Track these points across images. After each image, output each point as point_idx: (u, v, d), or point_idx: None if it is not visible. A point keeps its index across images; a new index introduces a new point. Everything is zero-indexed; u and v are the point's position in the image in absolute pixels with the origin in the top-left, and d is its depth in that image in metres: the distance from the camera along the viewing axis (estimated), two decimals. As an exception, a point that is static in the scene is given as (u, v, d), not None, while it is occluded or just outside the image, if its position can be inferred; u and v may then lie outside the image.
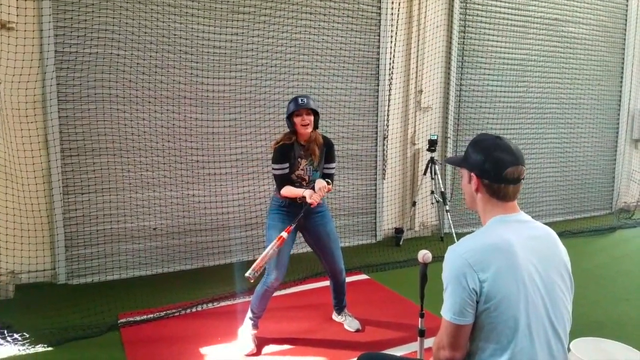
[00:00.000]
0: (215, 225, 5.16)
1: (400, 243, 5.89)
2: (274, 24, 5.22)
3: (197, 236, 5.09)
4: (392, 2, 5.82)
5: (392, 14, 5.84)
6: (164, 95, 4.82)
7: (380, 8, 5.81)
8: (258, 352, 3.31)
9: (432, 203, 6.21)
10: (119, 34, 4.56)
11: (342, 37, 5.64)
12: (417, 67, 6.10)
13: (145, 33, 4.67)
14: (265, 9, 5.15)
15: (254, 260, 3.07)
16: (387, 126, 5.99)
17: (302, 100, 3.20)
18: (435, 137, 5.82)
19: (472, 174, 1.71)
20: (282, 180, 3.28)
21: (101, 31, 4.49)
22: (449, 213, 5.80)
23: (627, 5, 7.55)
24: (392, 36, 5.88)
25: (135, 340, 3.47)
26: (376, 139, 6.01)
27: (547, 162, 7.21)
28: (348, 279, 3.79)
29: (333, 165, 3.45)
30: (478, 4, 6.36)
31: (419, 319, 2.44)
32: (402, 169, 6.23)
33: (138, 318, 3.77)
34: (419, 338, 2.45)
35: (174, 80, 4.84)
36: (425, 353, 2.48)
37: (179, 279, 4.79)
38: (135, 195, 4.80)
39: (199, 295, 4.23)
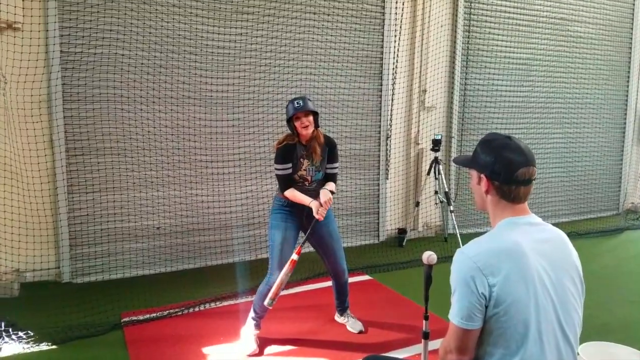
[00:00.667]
0: (219, 225, 5.17)
1: (404, 244, 5.88)
2: (278, 24, 5.22)
3: (200, 235, 5.11)
4: (396, 2, 5.80)
5: (396, 13, 5.82)
6: (168, 95, 4.84)
7: (384, 8, 5.80)
8: (260, 353, 3.31)
9: (436, 203, 6.19)
10: (124, 34, 4.58)
11: (345, 36, 5.63)
12: (421, 66, 6.08)
13: (150, 33, 4.69)
14: (269, 9, 5.15)
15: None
16: (391, 126, 5.98)
17: (298, 103, 3.17)
18: (440, 137, 5.80)
19: (482, 175, 1.66)
20: (285, 181, 3.28)
21: (106, 31, 4.51)
22: (453, 213, 5.77)
23: (634, 4, 7.48)
24: (395, 36, 5.86)
25: (138, 339, 3.48)
26: (379, 139, 6.00)
27: (553, 162, 7.17)
28: (351, 280, 3.79)
29: (336, 165, 3.44)
30: (483, 4, 6.33)
31: (424, 321, 2.41)
32: (406, 169, 6.21)
33: (141, 317, 3.79)
34: (423, 340, 2.42)
35: (178, 80, 4.85)
36: (430, 356, 2.47)
37: (182, 278, 4.81)
38: (139, 194, 4.82)
39: (202, 294, 4.24)
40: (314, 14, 5.41)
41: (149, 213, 4.88)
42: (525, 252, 1.54)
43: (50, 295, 4.28)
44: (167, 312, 3.90)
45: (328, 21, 5.51)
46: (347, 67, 5.69)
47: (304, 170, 3.30)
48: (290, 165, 3.25)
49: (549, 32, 6.84)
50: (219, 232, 5.18)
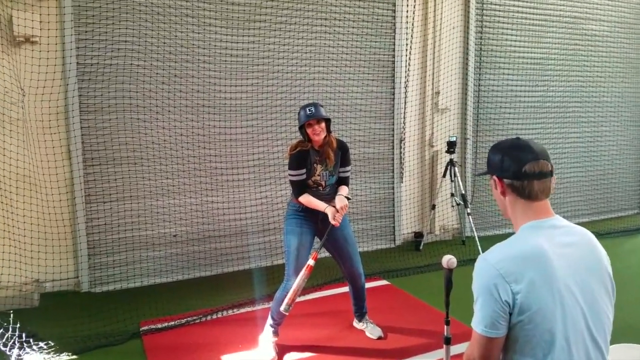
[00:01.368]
0: (234, 231, 5.19)
1: (420, 247, 5.83)
2: (290, 30, 5.23)
3: (217, 242, 5.13)
4: (407, 5, 5.78)
5: (407, 16, 5.80)
6: (182, 104, 4.88)
7: (395, 11, 5.79)
8: (279, 360, 3.30)
9: (453, 206, 6.13)
10: (139, 45, 4.63)
11: (357, 41, 5.63)
12: (433, 68, 6.05)
13: (164, 43, 4.74)
14: (280, 16, 5.17)
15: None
16: (404, 129, 5.95)
17: (310, 110, 3.17)
18: (454, 139, 5.75)
19: (495, 177, 1.64)
20: (299, 186, 3.28)
21: (121, 42, 4.56)
22: (470, 216, 5.71)
23: (650, 0, 7.37)
24: (407, 39, 5.84)
25: (157, 348, 3.50)
26: (393, 142, 5.97)
27: (570, 162, 7.06)
28: (367, 285, 3.76)
29: (348, 168, 3.44)
30: (495, 4, 6.28)
31: (445, 326, 2.39)
32: (421, 172, 6.17)
33: (159, 325, 3.81)
34: (445, 346, 2.39)
35: (192, 89, 4.89)
36: (452, 360, 2.43)
37: (199, 285, 4.82)
38: (155, 202, 4.86)
39: (219, 301, 4.25)
40: (325, 19, 5.42)
41: (166, 221, 4.91)
42: (550, 257, 1.49)
43: (70, 305, 4.33)
44: (185, 320, 3.91)
45: (339, 26, 5.51)
46: (359, 71, 5.68)
47: (318, 175, 3.29)
48: (304, 170, 3.25)
49: (563, 30, 6.76)
50: (235, 239, 5.19)
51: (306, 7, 5.28)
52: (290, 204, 3.43)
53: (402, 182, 6.02)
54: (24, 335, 3.42)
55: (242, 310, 4.11)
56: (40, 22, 4.24)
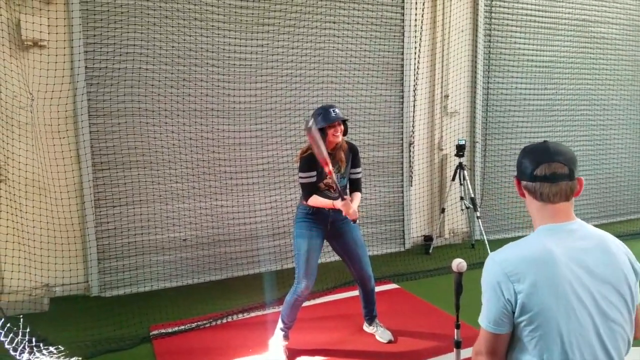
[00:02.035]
0: (244, 236, 5.17)
1: (430, 251, 5.80)
2: (298, 34, 5.23)
3: (226, 246, 5.11)
4: (416, 8, 5.77)
5: (415, 20, 5.79)
6: (191, 108, 4.88)
7: (403, 14, 5.78)
8: (290, 364, 3.28)
9: (462, 209, 6.09)
10: (147, 49, 4.64)
11: (365, 44, 5.62)
12: (442, 72, 6.03)
13: (173, 47, 4.74)
14: (289, 20, 5.17)
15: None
16: (413, 132, 5.92)
17: (334, 112, 3.18)
18: (464, 142, 5.72)
19: (515, 177, 1.67)
20: (309, 189, 3.25)
21: (130, 46, 4.57)
22: (480, 219, 5.68)
23: (659, 3, 7.33)
24: (416, 42, 5.83)
25: (168, 352, 3.48)
26: (402, 145, 5.95)
27: (580, 165, 6.97)
28: (377, 289, 3.73)
29: (359, 170, 3.45)
30: (504, 7, 6.27)
31: (455, 330, 2.37)
32: (430, 175, 6.14)
33: (170, 330, 3.79)
34: (455, 349, 2.38)
35: (201, 93, 4.89)
36: (462, 364, 2.41)
37: (209, 289, 4.81)
38: (165, 207, 4.85)
39: (229, 305, 4.23)
40: (334, 22, 5.41)
41: (175, 225, 4.91)
42: (557, 262, 1.48)
43: (80, 310, 4.32)
44: (195, 324, 3.89)
45: (348, 30, 5.50)
46: (368, 74, 5.67)
47: (329, 178, 3.27)
48: (314, 173, 3.23)
49: (571, 33, 6.73)
50: (245, 243, 5.17)
51: (315, 11, 5.28)
52: (300, 207, 3.42)
53: (411, 185, 5.99)
54: (33, 339, 3.41)
55: (252, 315, 4.09)
56: (49, 26, 4.26)
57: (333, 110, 3.18)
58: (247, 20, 5.00)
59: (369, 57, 5.66)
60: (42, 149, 4.35)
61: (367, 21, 5.59)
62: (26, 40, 4.17)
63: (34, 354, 3.36)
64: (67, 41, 4.35)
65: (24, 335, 3.32)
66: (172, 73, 4.76)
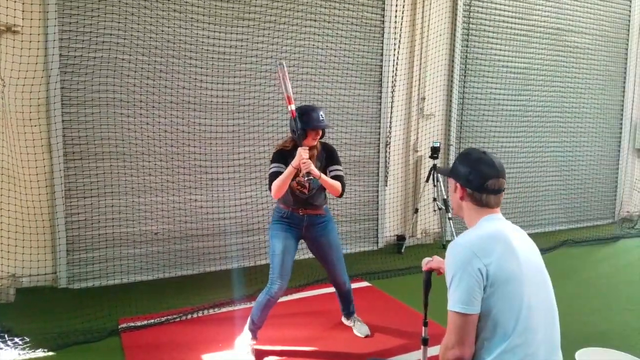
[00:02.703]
0: (217, 231, 5.15)
1: (402, 250, 5.87)
2: (279, 30, 5.23)
3: (199, 241, 5.08)
4: (396, 10, 5.83)
5: (395, 21, 5.85)
6: (167, 100, 4.83)
7: (384, 16, 5.83)
8: (257, 364, 3.26)
9: (434, 210, 6.19)
10: (124, 39, 4.57)
11: (345, 44, 5.65)
12: (420, 74, 6.11)
13: (150, 38, 4.68)
14: (269, 16, 5.16)
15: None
16: (390, 133, 5.99)
17: (322, 116, 3.17)
18: (438, 145, 5.82)
19: (458, 184, 1.90)
20: (274, 177, 3.16)
21: (106, 35, 4.50)
22: (451, 221, 5.78)
23: (629, 16, 7.57)
24: (395, 44, 5.89)
25: (136, 346, 3.45)
26: (379, 146, 6.00)
27: (549, 170, 7.20)
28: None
29: (337, 167, 3.35)
30: (481, 13, 6.38)
31: (423, 327, 2.42)
32: (404, 176, 6.22)
33: (139, 323, 3.75)
34: (422, 346, 2.43)
35: (178, 85, 4.84)
36: (429, 361, 2.46)
37: (180, 284, 4.78)
38: (137, 199, 4.79)
39: (200, 300, 4.21)
40: (315, 20, 5.43)
41: (148, 218, 4.85)
42: (511, 236, 1.77)
43: (47, 301, 4.24)
44: (165, 318, 3.86)
45: (328, 28, 5.52)
46: (347, 74, 5.70)
47: (302, 177, 3.24)
48: (283, 165, 3.18)
49: (546, 42, 6.89)
50: (218, 238, 5.15)
51: (295, 8, 5.28)
52: (276, 209, 3.42)
53: (386, 185, 6.05)
54: (-2, 330, 3.36)
55: (223, 310, 4.08)
56: (23, 11, 4.16)
57: (321, 115, 3.18)
58: (227, 14, 4.97)
59: (349, 57, 5.69)
60: (12, 137, 4.24)
61: (347, 21, 5.63)
62: (-1, 24, 4.07)
63: (-2, 345, 3.30)
64: (41, 27, 4.25)
65: (-12, 325, 3.27)
66: (148, 64, 4.70)
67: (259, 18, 5.12)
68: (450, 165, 2.01)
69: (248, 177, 5.24)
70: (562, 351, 1.83)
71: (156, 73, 4.74)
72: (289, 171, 3.11)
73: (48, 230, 4.46)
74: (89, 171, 4.58)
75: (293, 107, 3.13)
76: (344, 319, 3.79)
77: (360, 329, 3.65)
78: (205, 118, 4.99)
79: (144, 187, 4.81)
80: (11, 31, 4.15)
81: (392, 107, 5.97)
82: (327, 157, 3.35)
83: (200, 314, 3.98)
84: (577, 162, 7.47)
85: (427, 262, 2.33)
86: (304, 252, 4.51)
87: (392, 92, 5.95)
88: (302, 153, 3.06)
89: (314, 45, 5.46)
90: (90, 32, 4.44)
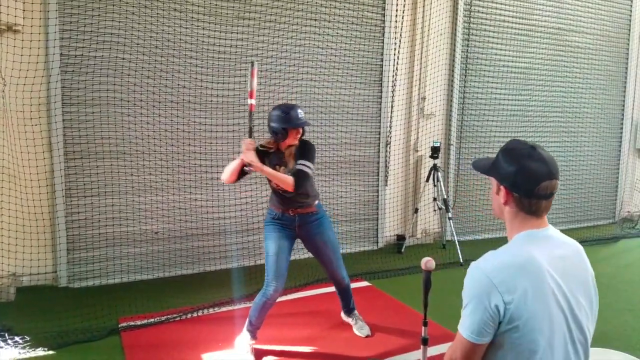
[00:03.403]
0: (217, 230, 5.15)
1: (402, 250, 5.87)
2: (279, 29, 5.23)
3: (199, 241, 5.09)
4: (397, 10, 5.83)
5: (396, 21, 5.85)
6: (168, 99, 4.83)
7: (384, 15, 5.83)
8: (256, 364, 3.27)
9: (435, 210, 6.19)
10: (125, 38, 4.57)
11: (346, 43, 5.65)
12: (420, 74, 6.11)
13: (151, 37, 4.69)
14: (270, 15, 5.17)
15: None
16: (390, 132, 5.99)
17: (301, 114, 3.18)
18: (438, 144, 5.81)
19: (502, 186, 1.58)
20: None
21: (107, 35, 4.50)
22: (451, 220, 5.78)
23: (630, 15, 7.56)
24: (395, 43, 5.89)
25: (136, 345, 3.45)
26: (379, 145, 6.00)
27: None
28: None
29: (305, 162, 3.17)
30: (482, 13, 6.37)
31: (423, 327, 2.42)
32: (405, 176, 6.22)
33: (139, 322, 3.76)
34: (422, 346, 2.43)
35: (178, 85, 4.85)
36: (429, 362, 2.46)
37: (180, 283, 4.78)
38: (137, 198, 4.80)
39: (200, 300, 4.22)
40: (315, 20, 5.43)
41: (148, 218, 4.86)
42: (543, 268, 1.48)
43: (47, 300, 4.25)
44: (165, 317, 3.87)
45: (329, 28, 5.52)
46: (347, 73, 5.70)
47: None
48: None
49: (547, 41, 6.88)
50: (218, 238, 5.15)
51: (296, 7, 5.29)
52: (269, 210, 3.42)
53: (386, 185, 6.05)
54: (-1, 329, 3.36)
55: (223, 309, 4.08)
56: (24, 10, 4.17)
57: (299, 113, 3.17)
58: (227, 13, 4.97)
59: (349, 56, 5.69)
60: (12, 136, 4.25)
61: (348, 20, 5.63)
62: (0, 24, 4.06)
63: (-2, 344, 3.31)
64: (42, 27, 4.26)
65: (-12, 324, 3.28)
66: (149, 63, 4.70)
67: (260, 17, 5.12)
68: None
69: (248, 177, 5.21)
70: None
71: (156, 72, 4.74)
72: (237, 161, 3.17)
73: (48, 229, 4.46)
74: (89, 170, 4.59)
75: (253, 101, 3.19)
76: (343, 316, 3.78)
77: (361, 329, 3.65)
78: (206, 117, 5.00)
79: (144, 187, 4.81)
80: (12, 30, 4.16)
81: (392, 107, 5.96)
82: (300, 153, 3.24)
83: (200, 313, 3.98)
84: (578, 162, 7.46)
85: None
86: (303, 252, 4.52)
87: (392, 92, 5.94)
88: (245, 145, 3.12)
89: (314, 44, 5.46)
90: (91, 31, 4.45)
